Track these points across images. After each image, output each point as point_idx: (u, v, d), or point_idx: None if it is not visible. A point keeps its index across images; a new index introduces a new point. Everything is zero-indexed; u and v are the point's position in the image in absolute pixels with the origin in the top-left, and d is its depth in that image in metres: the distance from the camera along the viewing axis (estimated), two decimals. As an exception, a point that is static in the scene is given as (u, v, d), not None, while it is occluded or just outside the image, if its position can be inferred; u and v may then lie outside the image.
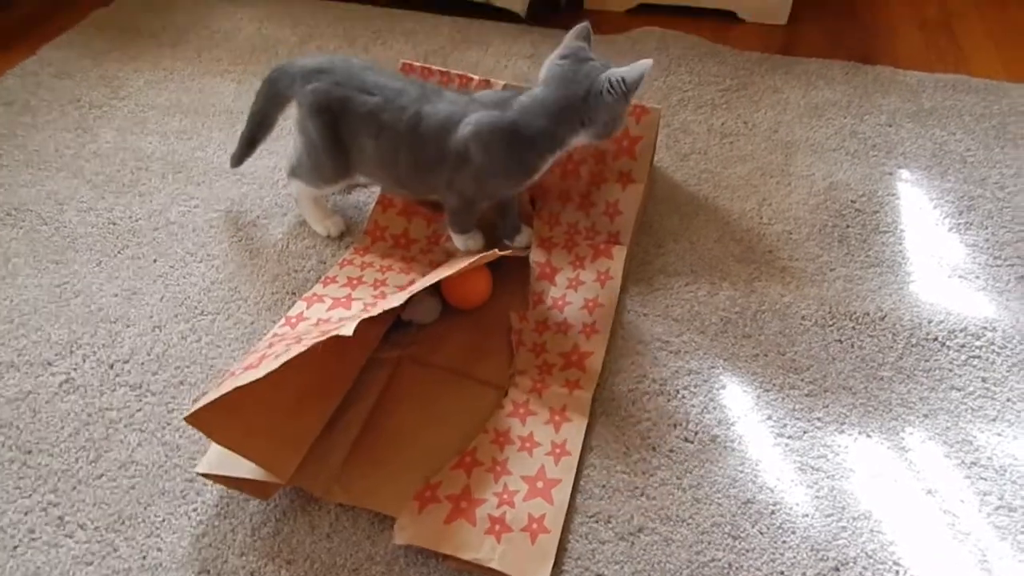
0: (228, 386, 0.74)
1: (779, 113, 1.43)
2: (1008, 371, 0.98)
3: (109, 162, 1.32)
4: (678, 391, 0.96)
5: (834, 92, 1.48)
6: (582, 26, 1.00)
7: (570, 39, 0.99)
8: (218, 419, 0.76)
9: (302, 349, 0.76)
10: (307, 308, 1.00)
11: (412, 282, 1.06)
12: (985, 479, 0.86)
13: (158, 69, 1.56)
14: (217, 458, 0.83)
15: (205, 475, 0.82)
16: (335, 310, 0.99)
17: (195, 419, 0.74)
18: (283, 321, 0.98)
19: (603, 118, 0.95)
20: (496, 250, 0.96)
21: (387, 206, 1.18)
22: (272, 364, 0.74)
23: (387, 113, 1.00)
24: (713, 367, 0.99)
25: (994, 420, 0.92)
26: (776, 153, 1.34)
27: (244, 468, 0.81)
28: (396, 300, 0.88)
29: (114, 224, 1.20)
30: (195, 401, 0.94)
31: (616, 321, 1.04)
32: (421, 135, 0.99)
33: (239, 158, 1.19)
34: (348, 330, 0.76)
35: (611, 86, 0.93)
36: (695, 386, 0.97)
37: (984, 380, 0.97)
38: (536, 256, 1.11)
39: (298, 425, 0.86)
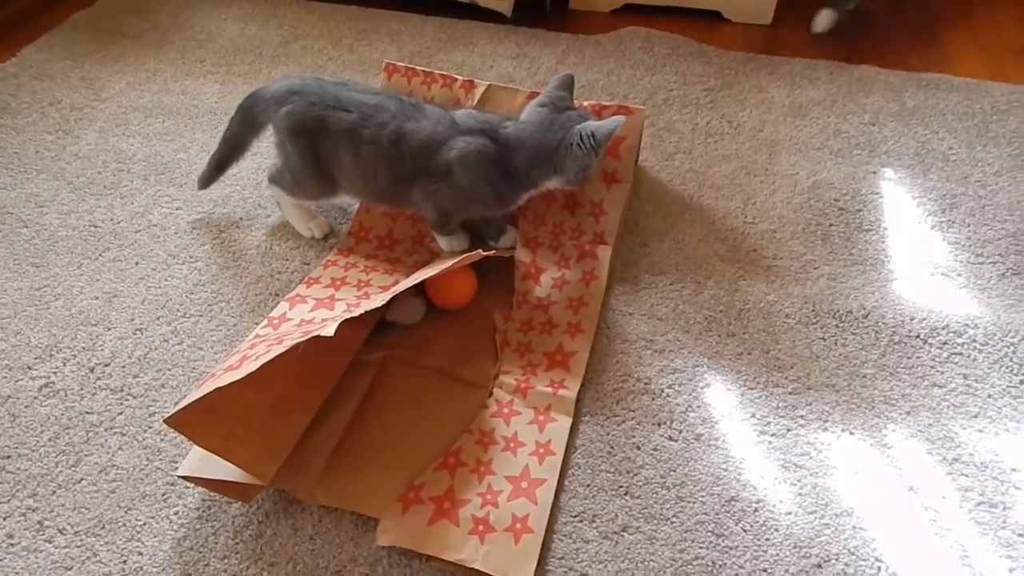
0: (208, 387, 0.73)
1: (764, 112, 1.43)
2: (989, 368, 0.98)
3: (90, 164, 1.31)
4: (662, 390, 0.96)
5: (818, 91, 1.49)
6: (565, 75, 1.04)
7: (552, 87, 1.03)
8: (198, 421, 0.75)
9: (283, 350, 0.75)
10: (289, 309, 1.00)
11: (396, 283, 1.05)
12: (966, 475, 0.87)
13: (141, 71, 1.54)
14: (198, 461, 0.82)
15: (186, 478, 0.81)
16: (318, 311, 0.99)
17: (175, 421, 0.73)
18: (265, 322, 0.97)
19: (574, 168, 0.98)
20: (480, 251, 0.96)
21: (370, 207, 1.18)
22: (252, 365, 0.74)
23: (366, 130, 1.00)
24: (697, 366, 0.99)
25: (975, 416, 0.93)
26: (760, 152, 1.34)
27: (225, 470, 0.80)
28: (379, 300, 0.87)
29: (95, 226, 1.19)
30: (176, 404, 0.94)
31: (601, 320, 1.04)
32: (402, 151, 1.00)
33: (207, 180, 1.19)
34: (329, 331, 0.76)
35: (581, 140, 0.96)
36: (679, 385, 0.97)
37: (966, 377, 0.97)
38: (521, 256, 1.11)
39: (280, 427, 0.85)
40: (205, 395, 0.73)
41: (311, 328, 0.84)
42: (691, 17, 1.72)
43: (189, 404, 0.73)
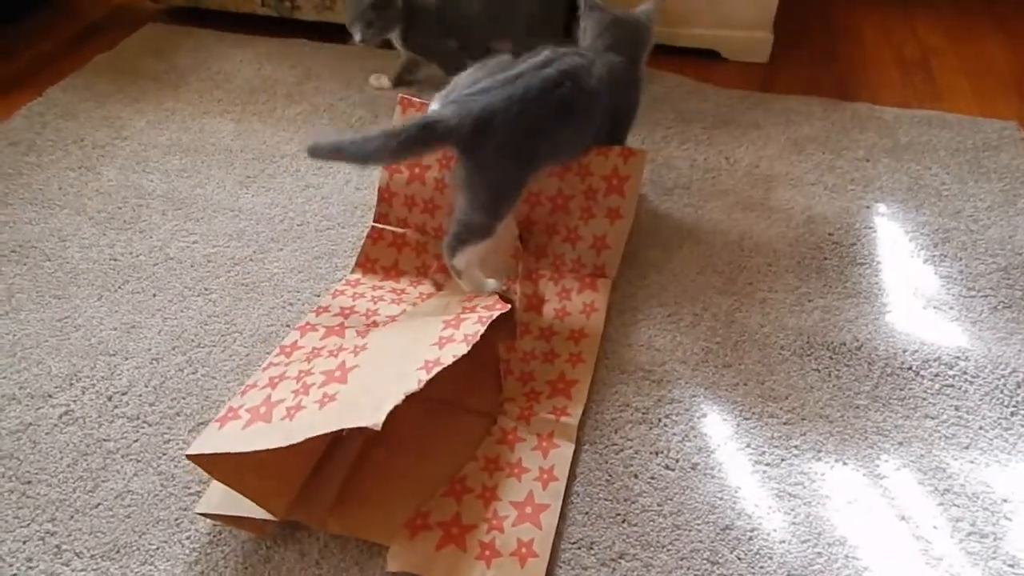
0: (241, 446, 0.76)
1: (760, 148, 1.48)
2: (981, 400, 1.01)
3: (111, 200, 1.37)
4: (660, 419, 0.99)
5: (813, 128, 1.53)
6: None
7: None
8: (216, 455, 0.79)
9: (313, 434, 0.75)
10: (301, 337, 1.03)
11: (403, 312, 1.09)
12: (958, 506, 0.89)
13: (160, 110, 1.61)
14: (217, 498, 0.86)
15: (205, 515, 0.85)
16: (328, 339, 1.02)
17: (196, 457, 0.77)
18: (278, 350, 1.01)
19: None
20: (508, 304, 0.96)
21: (377, 239, 1.22)
22: (279, 436, 0.76)
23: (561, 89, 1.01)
24: (694, 396, 1.02)
25: (967, 448, 0.95)
26: (757, 187, 1.38)
27: (241, 507, 0.83)
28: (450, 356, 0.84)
29: (115, 260, 1.24)
30: (191, 431, 0.97)
31: (600, 350, 1.07)
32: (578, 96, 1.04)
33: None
34: (377, 421, 0.72)
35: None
36: (676, 415, 1.00)
37: (957, 408, 1.00)
38: (524, 288, 1.15)
39: (293, 460, 0.88)
40: (230, 442, 0.77)
41: (345, 419, 0.78)
42: (689, 56, 1.78)
43: (218, 453, 0.76)
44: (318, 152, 0.97)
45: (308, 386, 0.85)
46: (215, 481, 0.84)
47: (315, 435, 0.74)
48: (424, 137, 0.95)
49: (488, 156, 0.98)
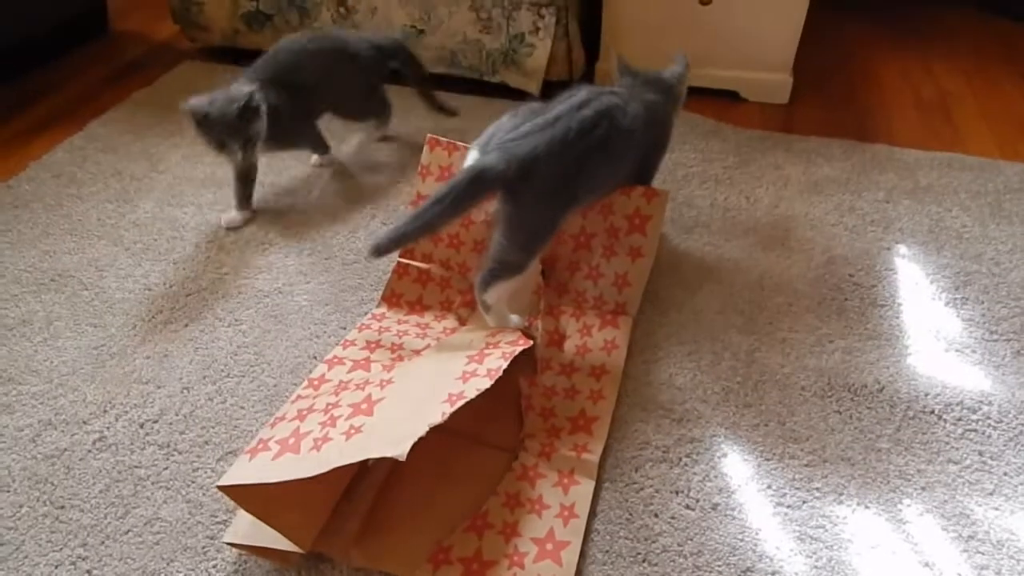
0: (270, 476, 0.79)
1: (780, 189, 1.50)
2: (1005, 445, 1.00)
3: (147, 231, 1.41)
4: (680, 458, 0.99)
5: (833, 169, 1.55)
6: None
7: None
8: (246, 487, 0.81)
9: (340, 463, 0.77)
10: (328, 370, 1.06)
11: (428, 347, 1.11)
12: (982, 553, 0.88)
13: (195, 145, 1.66)
14: (244, 528, 0.87)
15: (232, 544, 0.87)
16: (355, 372, 1.05)
17: (227, 488, 0.80)
18: (306, 383, 1.04)
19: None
20: (531, 340, 0.98)
21: (402, 274, 1.25)
22: (306, 467, 0.78)
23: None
24: (715, 436, 1.02)
25: (991, 494, 0.95)
26: (777, 227, 1.40)
27: (268, 538, 0.85)
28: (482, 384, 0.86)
29: (150, 290, 1.28)
30: (219, 460, 1.00)
31: (621, 388, 1.08)
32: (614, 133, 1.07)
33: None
34: (402, 452, 0.74)
35: None
36: (697, 454, 1.00)
37: (981, 454, 0.99)
38: (545, 324, 1.17)
39: (318, 492, 0.90)
40: (258, 474, 0.79)
41: (369, 447, 0.81)
42: (709, 97, 1.81)
43: (248, 484, 0.79)
44: (382, 250, 0.99)
45: (335, 418, 0.88)
46: (242, 511, 0.86)
47: (342, 464, 0.76)
48: (475, 190, 0.98)
49: (531, 198, 1.01)
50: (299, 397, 1.00)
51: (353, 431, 0.83)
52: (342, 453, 0.79)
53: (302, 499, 0.86)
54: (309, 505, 0.88)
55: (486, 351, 0.96)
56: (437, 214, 0.97)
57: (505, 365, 0.89)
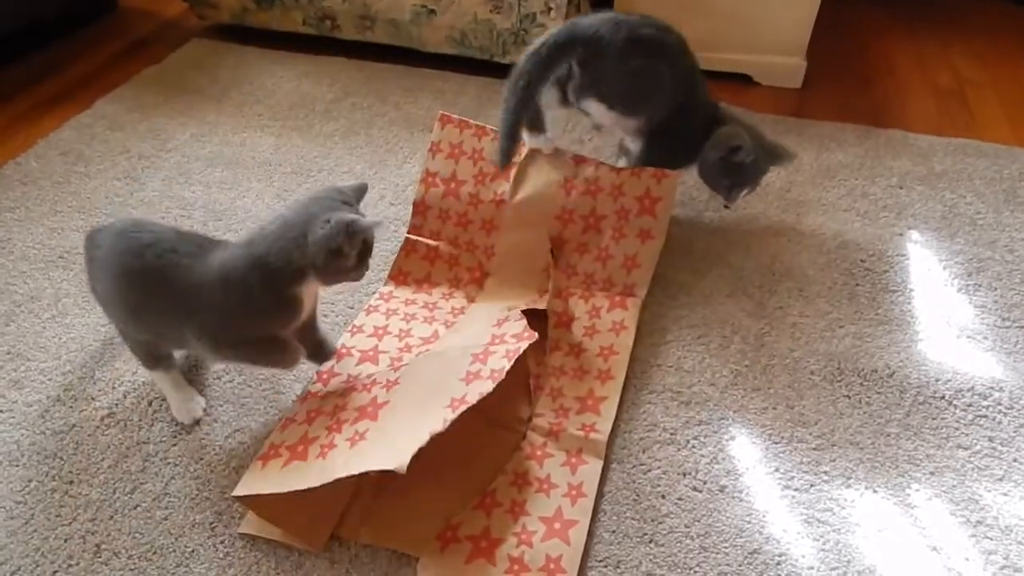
0: (280, 486, 0.84)
1: (792, 174, 1.48)
2: (1015, 431, 0.99)
3: (155, 209, 1.41)
4: (688, 441, 0.99)
5: (846, 154, 1.53)
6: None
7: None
8: (259, 496, 0.85)
9: (343, 475, 0.81)
10: (337, 363, 1.06)
11: (436, 334, 1.11)
12: (991, 538, 0.88)
13: (203, 123, 1.66)
14: (259, 521, 0.89)
15: (246, 534, 0.89)
16: (363, 364, 1.06)
17: (242, 497, 0.85)
18: (315, 377, 1.05)
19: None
20: (535, 335, 0.98)
21: (410, 251, 1.25)
22: (313, 476, 0.83)
23: None
24: (723, 418, 1.02)
25: (1000, 480, 0.94)
26: (788, 212, 1.38)
27: (280, 532, 0.88)
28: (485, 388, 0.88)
29: (157, 267, 1.28)
30: (227, 437, 1.00)
31: (629, 370, 1.08)
32: None
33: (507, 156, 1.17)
34: (402, 464, 0.78)
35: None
36: (705, 436, 1.00)
37: (991, 439, 0.99)
38: (554, 305, 1.16)
39: (328, 498, 0.89)
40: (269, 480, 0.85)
41: (373, 456, 0.84)
42: (722, 80, 1.79)
43: (255, 482, 0.84)
44: (508, 153, 1.15)
45: (341, 422, 0.91)
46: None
47: (345, 476, 0.80)
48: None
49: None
50: (308, 395, 1.01)
51: (358, 437, 0.87)
52: (346, 464, 0.83)
53: (311, 504, 0.87)
54: (319, 509, 0.89)
55: (491, 348, 0.96)
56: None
57: (508, 366, 0.90)
